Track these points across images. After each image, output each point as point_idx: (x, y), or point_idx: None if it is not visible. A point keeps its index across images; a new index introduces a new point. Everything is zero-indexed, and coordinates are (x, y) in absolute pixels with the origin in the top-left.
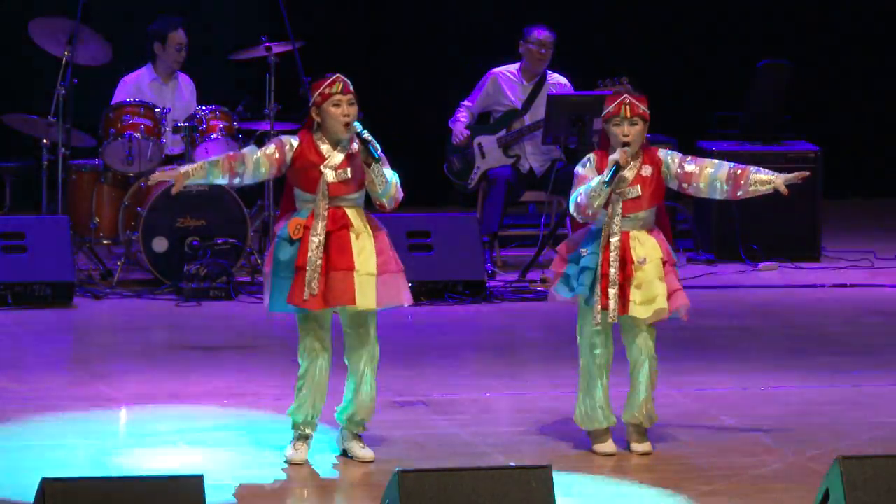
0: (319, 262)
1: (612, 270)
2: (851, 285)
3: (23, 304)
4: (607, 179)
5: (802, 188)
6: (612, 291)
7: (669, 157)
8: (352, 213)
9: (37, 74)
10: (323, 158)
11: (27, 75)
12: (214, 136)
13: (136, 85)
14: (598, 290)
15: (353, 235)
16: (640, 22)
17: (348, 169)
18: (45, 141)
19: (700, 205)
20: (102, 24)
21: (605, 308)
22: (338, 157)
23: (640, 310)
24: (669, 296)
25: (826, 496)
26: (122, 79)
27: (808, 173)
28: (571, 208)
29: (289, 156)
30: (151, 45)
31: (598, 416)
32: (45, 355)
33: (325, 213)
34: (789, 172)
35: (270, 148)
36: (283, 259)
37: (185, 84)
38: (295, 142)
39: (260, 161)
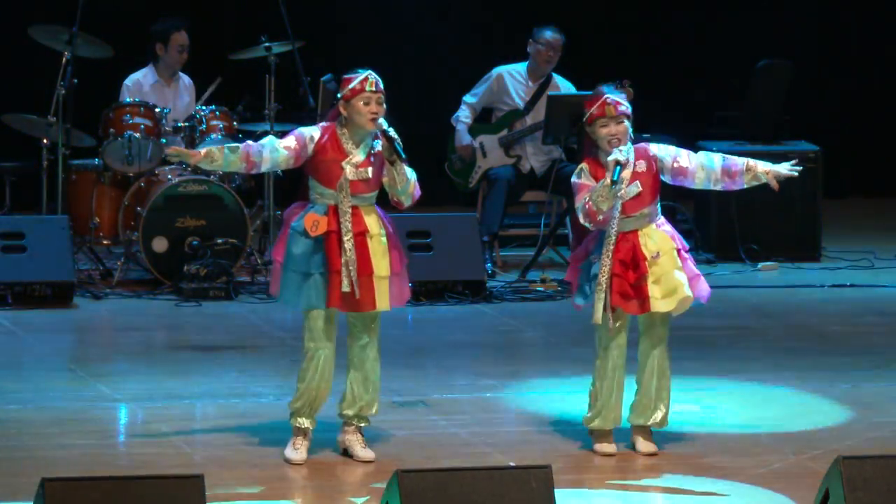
0: (355, 262)
1: (605, 269)
2: (851, 285)
3: (23, 304)
4: (614, 179)
5: (802, 188)
6: (600, 293)
7: (663, 152)
8: (366, 213)
9: (37, 74)
10: (345, 155)
11: (27, 75)
12: (214, 136)
13: (137, 86)
14: (607, 293)
15: (369, 240)
16: (641, 22)
17: (369, 168)
18: (45, 141)
19: (700, 205)
20: (102, 24)
21: (615, 306)
22: (360, 155)
23: (662, 304)
24: (690, 283)
25: (826, 496)
26: (125, 81)
27: (799, 168)
28: (581, 218)
29: (310, 148)
30: (153, 47)
31: (608, 417)
32: (45, 355)
33: (350, 211)
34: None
35: (290, 140)
36: (296, 253)
37: (186, 84)
38: (316, 134)
39: (279, 153)
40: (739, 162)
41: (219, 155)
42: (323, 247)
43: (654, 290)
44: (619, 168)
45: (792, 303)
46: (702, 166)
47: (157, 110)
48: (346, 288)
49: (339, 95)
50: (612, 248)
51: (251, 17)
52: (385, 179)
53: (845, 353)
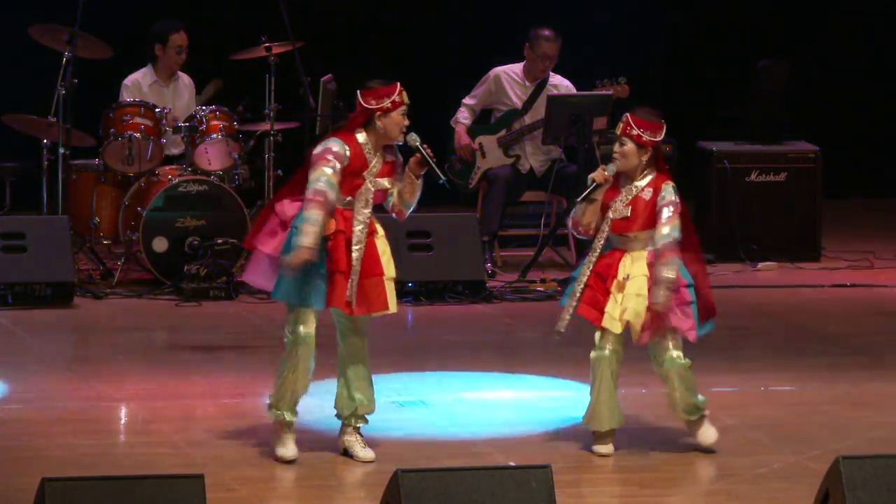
0: (359, 268)
1: (581, 279)
2: (851, 285)
3: (23, 304)
4: (582, 195)
5: (802, 188)
6: (572, 302)
7: (666, 192)
8: (374, 220)
9: (37, 74)
10: (367, 165)
11: (27, 75)
12: (214, 136)
13: (136, 87)
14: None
15: (377, 240)
16: (641, 22)
17: (386, 179)
18: (45, 141)
19: (700, 205)
20: (102, 24)
21: (579, 315)
22: (378, 166)
23: (614, 325)
24: (657, 316)
25: (826, 496)
26: (124, 81)
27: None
28: (569, 225)
29: (346, 161)
30: (152, 47)
31: (605, 417)
32: (45, 355)
33: (367, 222)
34: (788, 173)
35: (333, 165)
36: None
37: (185, 84)
38: (347, 151)
39: (334, 185)
40: (659, 261)
41: (316, 229)
42: (326, 246)
43: (612, 309)
44: (593, 185)
45: (792, 303)
46: (661, 234)
47: (157, 110)
48: (349, 293)
49: (371, 105)
50: (594, 259)
51: (251, 17)
52: (394, 190)
53: (845, 353)
